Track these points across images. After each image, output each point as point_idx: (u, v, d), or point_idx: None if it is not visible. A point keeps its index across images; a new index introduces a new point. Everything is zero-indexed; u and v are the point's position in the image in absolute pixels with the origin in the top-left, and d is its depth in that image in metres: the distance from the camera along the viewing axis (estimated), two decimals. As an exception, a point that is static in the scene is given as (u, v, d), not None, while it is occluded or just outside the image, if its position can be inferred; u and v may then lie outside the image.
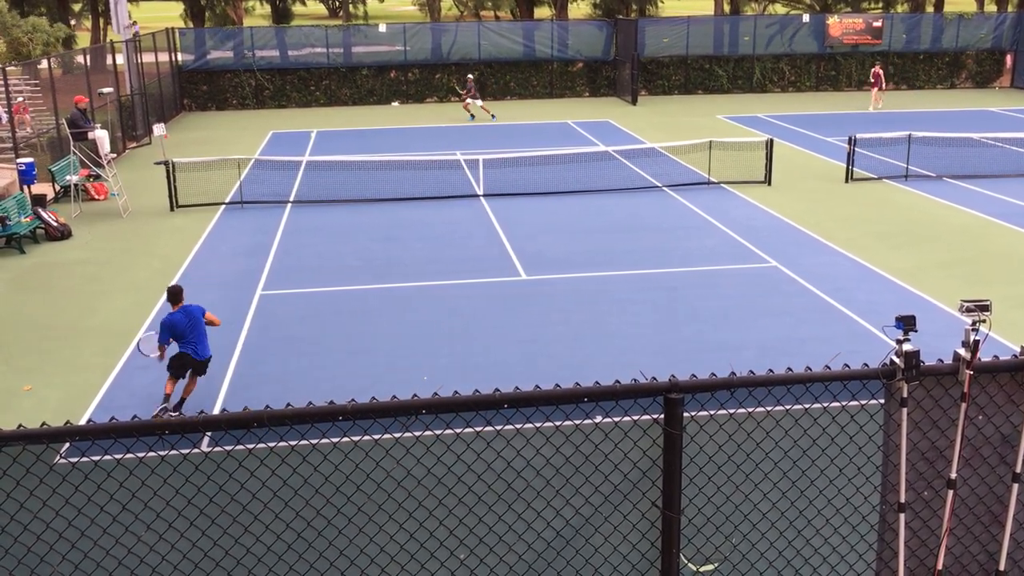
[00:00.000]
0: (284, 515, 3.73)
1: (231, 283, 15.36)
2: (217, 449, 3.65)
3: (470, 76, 34.25)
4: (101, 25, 52.87)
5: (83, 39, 55.13)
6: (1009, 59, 41.43)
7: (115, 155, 24.36)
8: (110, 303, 14.51)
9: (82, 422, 10.09)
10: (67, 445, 3.47)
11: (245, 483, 3.65)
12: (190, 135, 31.03)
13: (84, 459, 3.54)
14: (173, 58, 36.04)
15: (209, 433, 3.54)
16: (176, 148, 26.56)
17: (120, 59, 29.46)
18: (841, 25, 40.47)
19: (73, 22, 55.27)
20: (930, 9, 51.07)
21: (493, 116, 33.04)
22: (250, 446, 3.59)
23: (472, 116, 32.87)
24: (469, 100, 32.84)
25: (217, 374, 11.70)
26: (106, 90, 24.88)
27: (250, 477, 3.64)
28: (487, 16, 67.76)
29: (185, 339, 10.51)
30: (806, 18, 41.75)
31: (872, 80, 34.83)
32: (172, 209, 20.37)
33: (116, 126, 27.33)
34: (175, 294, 10.62)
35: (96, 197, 21.62)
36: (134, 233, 18.71)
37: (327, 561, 3.82)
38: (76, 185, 20.74)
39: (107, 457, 3.52)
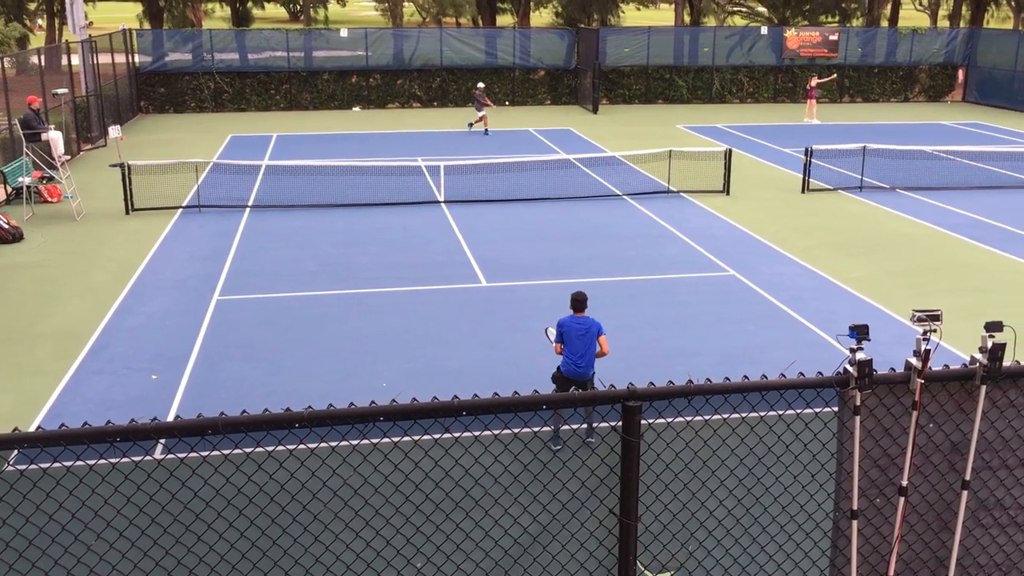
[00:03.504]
0: (239, 524, 3.68)
1: (187, 288, 15.17)
2: (170, 456, 3.60)
3: (481, 85, 32.83)
4: (56, 25, 52.01)
5: (38, 39, 54.19)
6: (961, 74, 42.34)
7: (69, 157, 23.96)
8: (63, 307, 14.26)
9: (31, 429, 9.89)
10: (15, 452, 3.40)
11: (199, 491, 3.60)
12: (147, 137, 30.61)
13: (33, 466, 3.47)
14: (130, 59, 35.54)
15: (162, 440, 3.49)
16: (132, 150, 26.19)
17: (75, 60, 28.99)
18: (798, 38, 41.08)
19: (40, 22, 54.32)
20: (885, 24, 52.05)
21: (483, 131, 31.42)
22: (204, 453, 3.54)
23: (486, 130, 31.26)
24: (483, 111, 31.10)
25: (172, 380, 11.54)
26: (61, 91, 24.47)
27: (204, 485, 3.60)
28: (449, 23, 67.77)
29: (569, 348, 9.78)
30: (764, 31, 42.32)
31: (809, 91, 35.27)
32: (127, 212, 20.07)
33: (71, 127, 26.88)
34: (579, 301, 9.89)
35: (49, 199, 21.24)
36: (88, 236, 18.41)
37: (282, 570, 3.78)
38: (29, 187, 20.36)
39: (56, 465, 3.46)
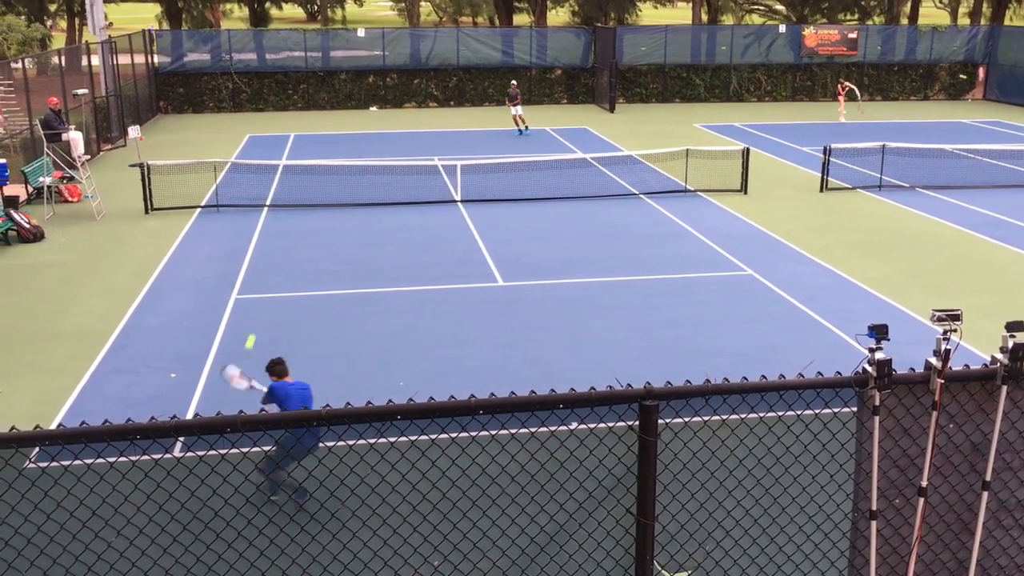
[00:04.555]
0: (257, 521, 3.70)
1: (206, 287, 15.26)
2: (190, 454, 3.62)
3: (513, 83, 32.64)
4: (76, 26, 52.41)
5: (58, 40, 54.62)
6: (981, 72, 41.98)
7: (89, 157, 24.15)
8: (83, 306, 14.37)
9: (52, 426, 9.97)
10: (37, 450, 3.43)
11: (218, 488, 3.62)
12: (166, 137, 30.80)
13: (54, 464, 3.50)
14: (149, 60, 35.79)
15: (182, 438, 3.52)
16: (151, 150, 26.35)
17: (95, 60, 29.20)
18: (817, 36, 40.86)
19: (49, 23, 54.78)
20: (904, 22, 51.69)
21: (524, 129, 30.92)
22: (223, 451, 3.56)
23: (523, 130, 30.88)
24: (513, 110, 30.72)
25: (190, 379, 11.61)
26: (81, 91, 24.66)
27: (223, 483, 3.62)
28: (466, 22, 67.84)
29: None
30: (782, 28, 42.11)
31: (841, 92, 35.04)
32: (147, 212, 20.21)
33: (91, 128, 27.08)
34: (280, 364, 9.00)
35: (69, 199, 21.42)
36: (108, 236, 18.54)
37: (300, 567, 3.79)
38: (49, 187, 20.53)
39: (77, 462, 3.49)
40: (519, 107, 30.85)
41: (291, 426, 3.46)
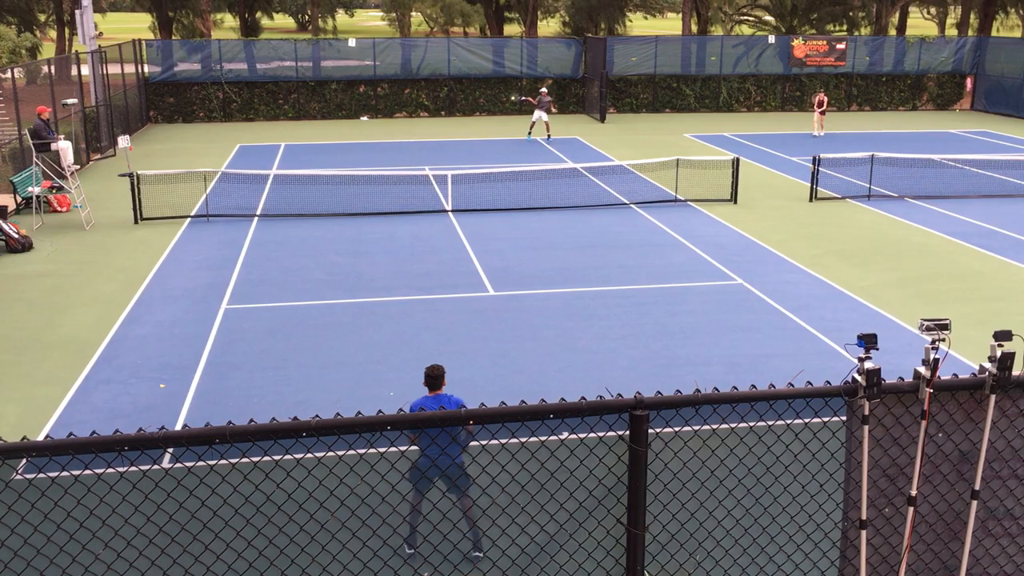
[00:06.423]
0: (246, 533, 3.68)
1: (196, 297, 15.21)
2: (178, 466, 3.61)
3: (544, 89, 33.30)
4: (66, 35, 52.35)
5: (48, 50, 54.50)
6: (969, 82, 42.27)
7: (79, 167, 24.07)
8: (72, 316, 14.30)
9: (40, 438, 9.91)
10: (24, 461, 3.41)
11: (206, 500, 3.60)
12: (156, 147, 30.74)
13: (41, 475, 3.47)
14: (139, 70, 35.74)
15: (170, 449, 3.50)
16: (141, 160, 26.30)
17: (85, 70, 29.15)
18: (806, 47, 41.09)
19: (39, 32, 54.69)
20: (892, 32, 52.02)
21: (532, 136, 31.46)
22: (212, 463, 3.55)
23: (548, 136, 31.33)
24: (540, 114, 31.21)
25: (180, 389, 11.57)
26: (70, 101, 24.59)
27: (211, 494, 3.60)
28: (456, 32, 68.00)
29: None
30: (771, 39, 42.33)
31: (817, 105, 34.99)
32: (136, 222, 20.15)
33: (80, 137, 27.01)
34: (435, 377, 7.72)
35: (58, 209, 21.34)
36: (97, 246, 18.48)
37: (289, 579, 3.78)
38: (38, 197, 20.46)
39: (64, 474, 3.46)
40: (544, 113, 31.41)
41: (278, 437, 3.44)
